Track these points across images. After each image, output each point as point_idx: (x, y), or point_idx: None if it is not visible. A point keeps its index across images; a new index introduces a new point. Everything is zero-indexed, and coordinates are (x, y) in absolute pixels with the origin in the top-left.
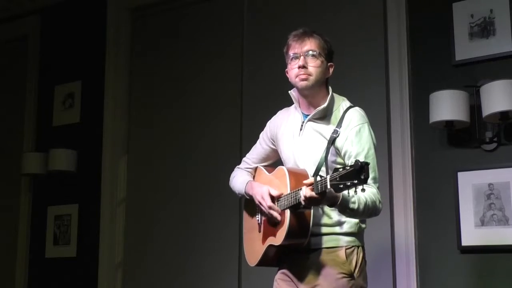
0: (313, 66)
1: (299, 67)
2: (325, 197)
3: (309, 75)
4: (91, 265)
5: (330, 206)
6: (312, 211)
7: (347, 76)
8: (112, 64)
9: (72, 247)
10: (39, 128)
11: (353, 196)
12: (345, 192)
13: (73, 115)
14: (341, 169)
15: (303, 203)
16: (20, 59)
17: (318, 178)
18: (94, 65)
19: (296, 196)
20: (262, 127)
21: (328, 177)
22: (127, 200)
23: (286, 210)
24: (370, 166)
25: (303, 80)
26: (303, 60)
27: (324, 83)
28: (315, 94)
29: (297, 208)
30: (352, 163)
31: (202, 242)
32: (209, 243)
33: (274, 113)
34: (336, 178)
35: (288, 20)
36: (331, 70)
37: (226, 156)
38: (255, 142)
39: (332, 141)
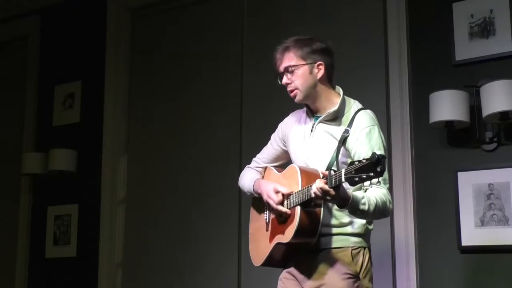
0: (295, 79)
1: (285, 85)
2: (338, 192)
3: (295, 89)
4: (91, 265)
5: (340, 206)
6: (322, 209)
7: (347, 76)
8: (112, 64)
9: (72, 247)
10: (39, 128)
11: (363, 198)
12: (356, 193)
13: (73, 115)
14: (356, 162)
15: (313, 195)
16: (20, 59)
17: (332, 172)
18: (94, 65)
19: (307, 192)
20: (262, 127)
21: (343, 170)
22: (127, 200)
23: (296, 208)
24: None
25: (293, 96)
26: (284, 78)
27: (320, 85)
28: (315, 99)
29: (307, 206)
30: (368, 156)
31: (202, 242)
32: (209, 243)
33: (274, 113)
34: (351, 171)
35: (288, 20)
36: (321, 68)
37: (226, 156)
38: (255, 142)
39: (342, 141)
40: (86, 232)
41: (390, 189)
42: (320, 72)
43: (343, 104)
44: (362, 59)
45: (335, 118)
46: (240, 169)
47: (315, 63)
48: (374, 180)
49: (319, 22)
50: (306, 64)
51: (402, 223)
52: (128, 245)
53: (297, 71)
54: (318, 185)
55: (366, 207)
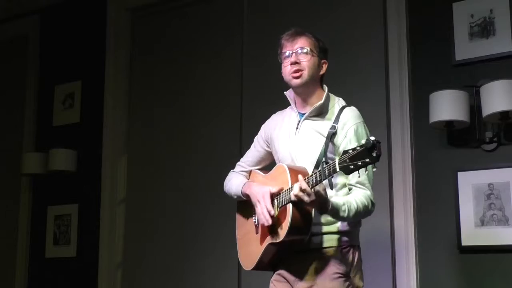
0: (305, 61)
1: (291, 64)
2: (318, 194)
3: (302, 70)
4: (91, 265)
5: (321, 212)
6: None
7: (347, 76)
8: (112, 64)
9: (72, 247)
10: (39, 128)
11: (343, 204)
12: (337, 199)
13: (73, 115)
14: (350, 151)
15: (293, 198)
16: (20, 59)
17: (324, 164)
18: (94, 65)
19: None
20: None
21: (337, 159)
22: (127, 200)
23: (288, 205)
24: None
25: (296, 77)
26: (295, 57)
27: (318, 80)
28: (310, 91)
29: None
30: (363, 142)
31: (201, 242)
32: (208, 243)
33: (274, 113)
34: (346, 159)
35: (288, 21)
36: (324, 67)
37: (226, 156)
38: None
39: (330, 137)
40: (86, 232)
41: (390, 189)
42: (322, 70)
43: (327, 100)
44: (362, 59)
45: (320, 113)
46: None
47: (322, 59)
48: (362, 171)
49: (319, 22)
50: (318, 56)
51: (402, 223)
52: (128, 245)
53: (310, 57)
54: (300, 185)
55: (346, 214)
